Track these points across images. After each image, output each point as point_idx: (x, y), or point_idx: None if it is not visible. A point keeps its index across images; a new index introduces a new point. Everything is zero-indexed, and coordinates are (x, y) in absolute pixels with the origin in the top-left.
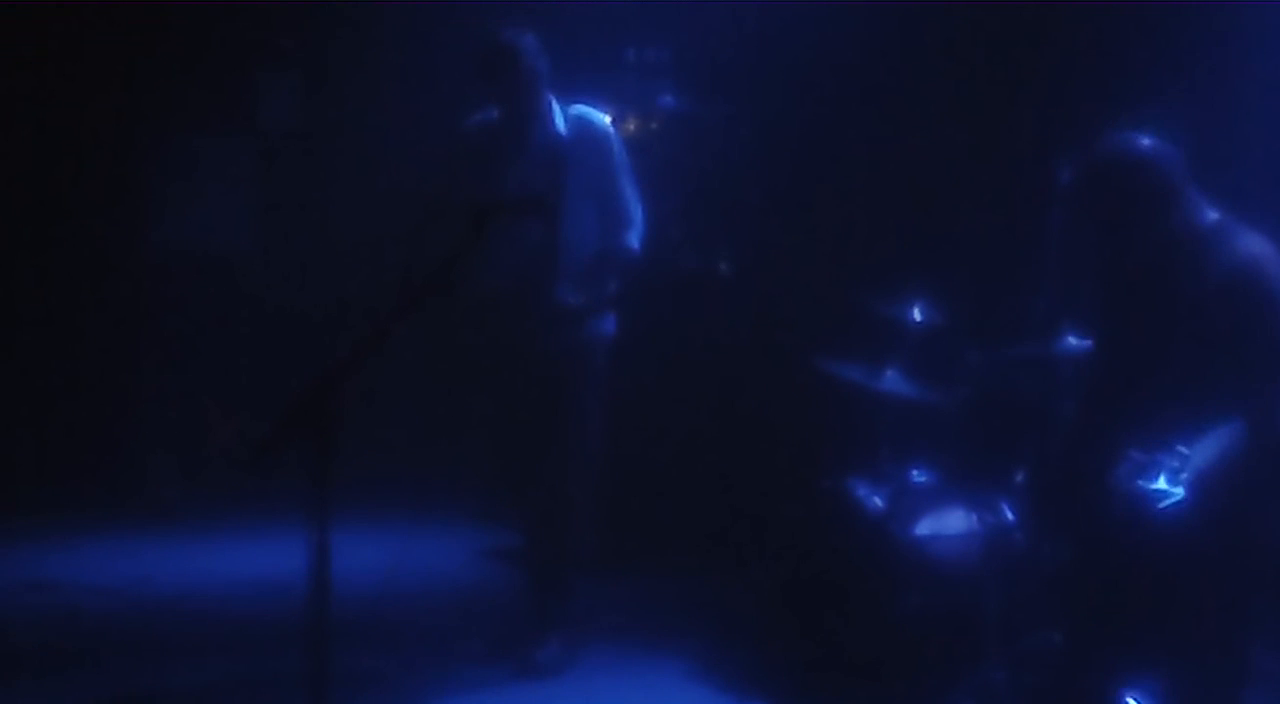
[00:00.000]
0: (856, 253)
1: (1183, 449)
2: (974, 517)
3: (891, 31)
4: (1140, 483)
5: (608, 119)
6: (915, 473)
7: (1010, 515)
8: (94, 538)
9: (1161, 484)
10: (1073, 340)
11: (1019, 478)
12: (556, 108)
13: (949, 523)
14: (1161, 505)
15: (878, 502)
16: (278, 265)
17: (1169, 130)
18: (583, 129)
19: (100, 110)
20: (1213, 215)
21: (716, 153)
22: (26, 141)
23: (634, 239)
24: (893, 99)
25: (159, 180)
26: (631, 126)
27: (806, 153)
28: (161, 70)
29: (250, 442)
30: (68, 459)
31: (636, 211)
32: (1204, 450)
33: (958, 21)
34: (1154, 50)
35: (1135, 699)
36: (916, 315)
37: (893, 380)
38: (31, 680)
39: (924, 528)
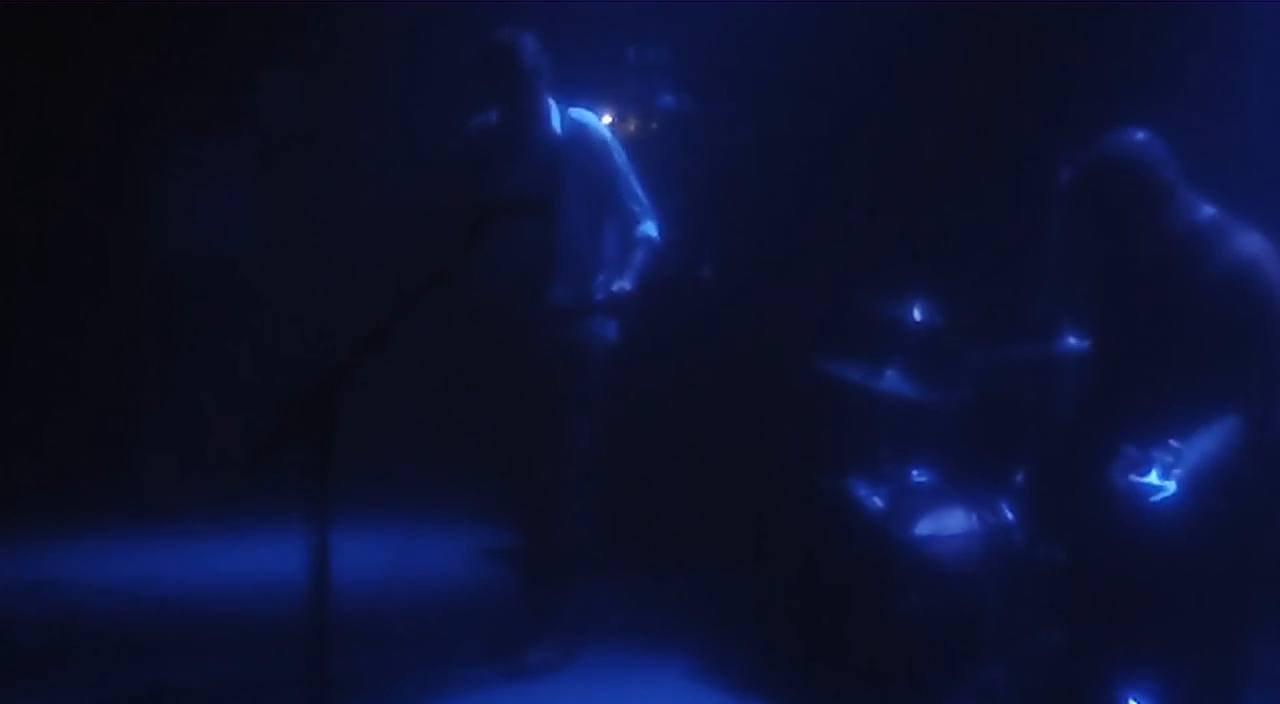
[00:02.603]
0: (856, 253)
1: (1175, 444)
2: (974, 517)
3: (891, 31)
4: (1132, 478)
5: (607, 120)
6: (915, 473)
7: (1010, 515)
8: (94, 538)
9: (1153, 479)
10: (1073, 340)
11: (1019, 478)
12: (555, 110)
13: (949, 523)
14: (1153, 500)
15: (878, 502)
16: (278, 265)
17: (1169, 130)
18: (579, 132)
19: (100, 110)
20: (1208, 211)
21: (716, 153)
22: (26, 142)
23: (653, 229)
24: (892, 99)
25: (159, 180)
26: (631, 126)
27: (806, 152)
28: (161, 70)
29: (250, 442)
30: (68, 459)
31: (647, 204)
32: (1198, 446)
33: (958, 21)
34: (1154, 50)
35: (1135, 699)
36: (916, 315)
37: (893, 380)
38: (31, 680)
39: (924, 528)
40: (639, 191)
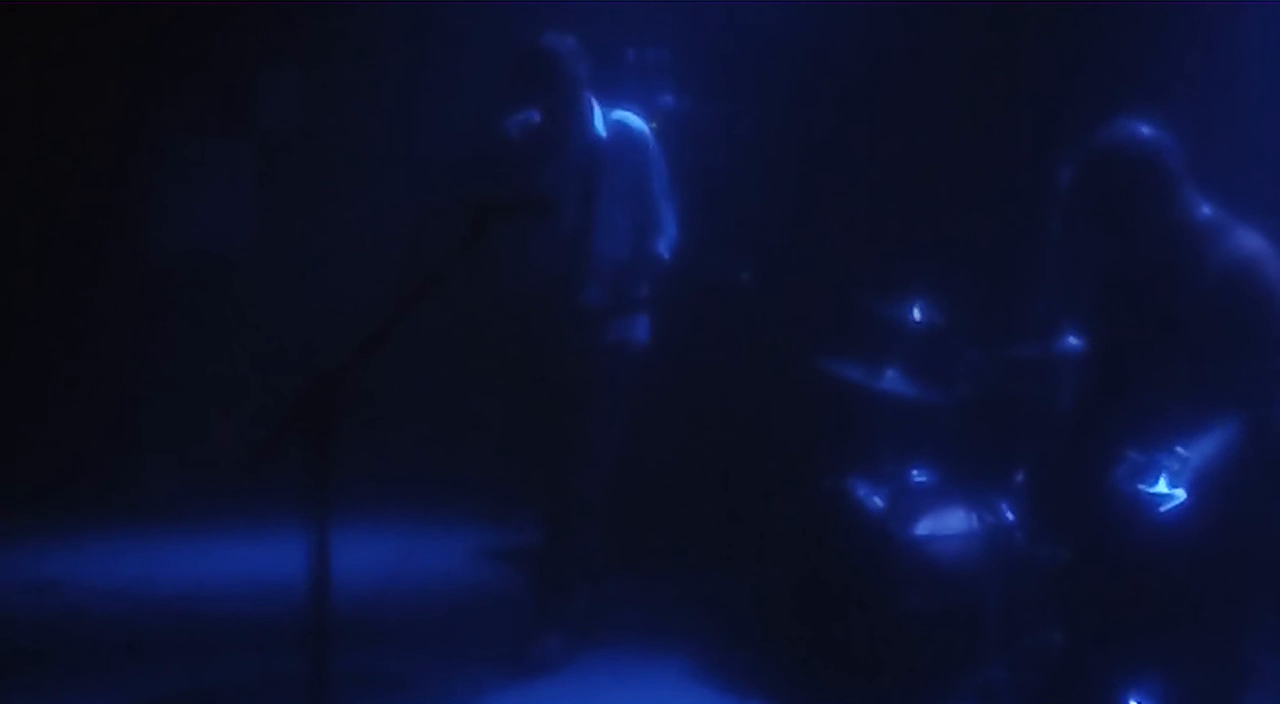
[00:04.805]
0: (856, 253)
1: (1181, 450)
2: (974, 517)
3: (892, 31)
4: (1139, 485)
5: (646, 126)
6: (915, 473)
7: (1010, 515)
8: (94, 538)
9: (1161, 487)
10: (1073, 340)
11: (1019, 478)
12: (598, 111)
13: (949, 523)
14: (1162, 509)
15: (878, 502)
16: (278, 265)
17: (1169, 129)
18: (622, 134)
19: (101, 110)
20: (1207, 210)
21: (717, 153)
22: (27, 142)
23: (664, 247)
24: (893, 99)
25: (159, 180)
26: None
27: (807, 152)
28: (162, 70)
29: (250, 442)
30: (68, 459)
31: (670, 220)
32: (1202, 450)
33: (958, 21)
34: (1154, 50)
35: (1136, 699)
36: (916, 315)
37: (893, 380)
38: (31, 680)
39: (924, 528)
40: (665, 205)
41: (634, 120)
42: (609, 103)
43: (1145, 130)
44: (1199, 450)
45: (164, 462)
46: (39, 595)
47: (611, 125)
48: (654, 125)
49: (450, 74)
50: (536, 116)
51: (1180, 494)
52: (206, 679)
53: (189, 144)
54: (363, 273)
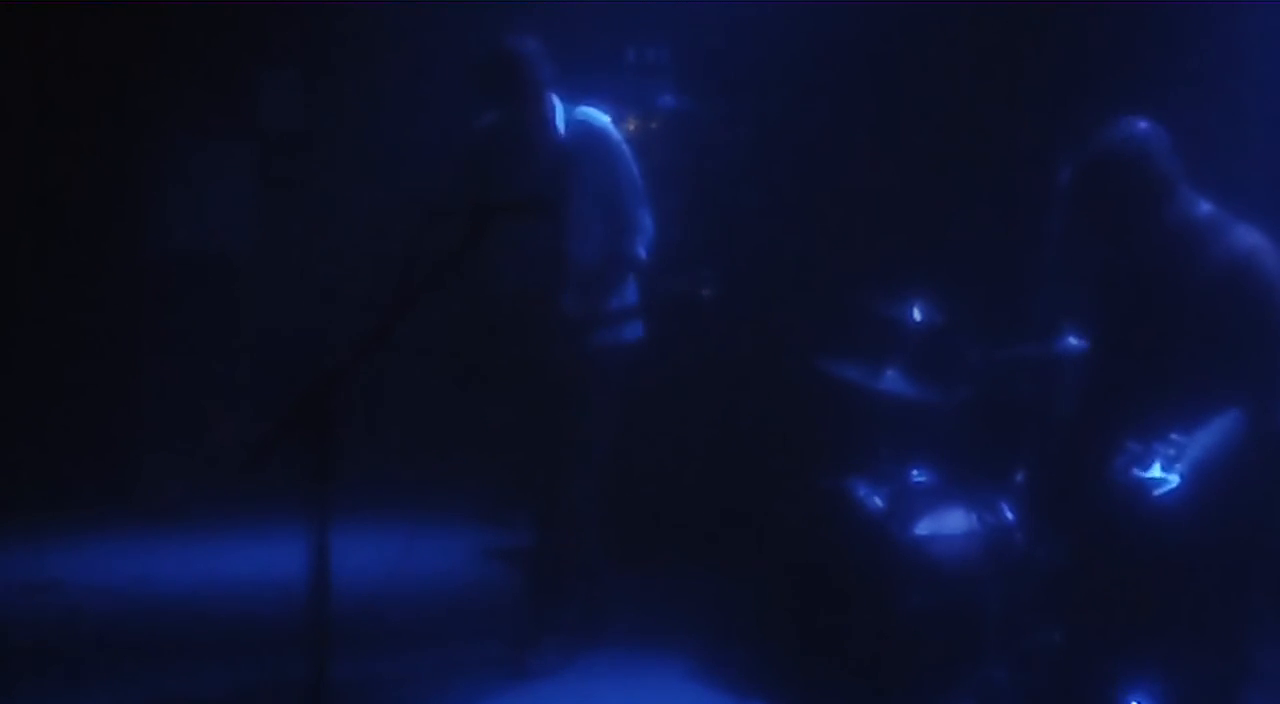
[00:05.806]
0: (856, 253)
1: (1178, 437)
2: (974, 517)
3: (891, 31)
4: (1136, 472)
5: (610, 121)
6: (915, 473)
7: (1010, 515)
8: (94, 538)
9: (1156, 472)
10: (1073, 340)
11: (1019, 478)
12: (560, 111)
13: (949, 523)
14: (1157, 493)
15: (878, 502)
16: (277, 265)
17: (1168, 129)
18: (585, 132)
19: (101, 110)
20: (1205, 208)
21: (716, 153)
22: (27, 142)
23: (641, 246)
24: (892, 99)
25: (159, 180)
26: (631, 126)
27: (806, 152)
28: (161, 70)
29: (250, 442)
30: (68, 459)
31: (644, 218)
32: (1201, 439)
33: (958, 21)
34: (1154, 50)
35: (1136, 698)
36: (916, 315)
37: (893, 380)
38: (31, 680)
39: (924, 528)
40: (636, 202)
41: (596, 117)
42: (570, 101)
43: (1139, 132)
44: (1197, 440)
45: (164, 462)
46: (39, 595)
47: (574, 125)
48: (654, 125)
49: (450, 74)
50: (500, 120)
51: (1174, 479)
52: (206, 679)
53: (189, 144)
54: (363, 273)
